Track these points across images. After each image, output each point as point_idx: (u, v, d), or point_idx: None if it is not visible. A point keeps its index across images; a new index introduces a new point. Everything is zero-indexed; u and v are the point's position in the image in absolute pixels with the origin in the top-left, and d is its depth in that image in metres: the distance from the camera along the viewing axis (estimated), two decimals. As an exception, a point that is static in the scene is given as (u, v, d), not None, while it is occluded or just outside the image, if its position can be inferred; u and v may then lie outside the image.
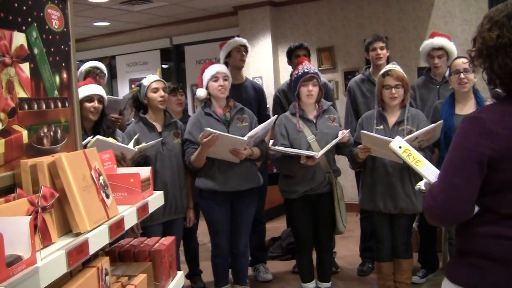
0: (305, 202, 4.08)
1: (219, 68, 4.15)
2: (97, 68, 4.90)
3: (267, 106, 5.49)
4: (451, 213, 1.79)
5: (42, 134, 1.95)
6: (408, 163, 2.05)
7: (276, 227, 6.55)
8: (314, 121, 4.07)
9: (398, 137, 2.22)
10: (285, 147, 3.98)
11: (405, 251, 4.05)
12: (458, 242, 1.91)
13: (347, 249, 5.71)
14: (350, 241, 5.78)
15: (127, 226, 1.91)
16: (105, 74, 5.06)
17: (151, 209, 2.20)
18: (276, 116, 4.17)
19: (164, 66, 9.69)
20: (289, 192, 4.10)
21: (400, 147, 2.11)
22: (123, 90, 10.00)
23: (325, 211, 4.10)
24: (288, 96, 4.92)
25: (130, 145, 3.68)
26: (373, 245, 4.44)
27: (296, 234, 4.29)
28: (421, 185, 2.07)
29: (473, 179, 1.74)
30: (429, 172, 1.96)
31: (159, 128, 4.07)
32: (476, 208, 1.81)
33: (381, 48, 4.89)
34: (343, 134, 3.91)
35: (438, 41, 4.70)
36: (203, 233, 4.33)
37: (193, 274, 4.93)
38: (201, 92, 4.18)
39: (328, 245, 4.31)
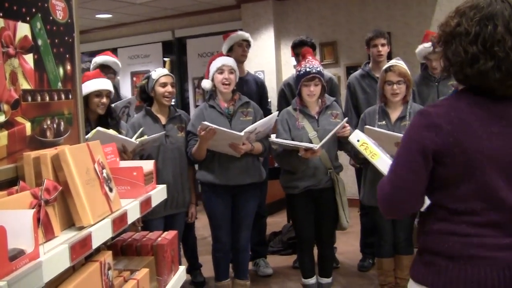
0: (307, 198, 4.05)
1: (225, 60, 4.12)
2: (109, 68, 4.88)
3: (269, 100, 5.46)
4: (397, 204, 1.81)
5: (45, 126, 1.94)
6: (365, 155, 2.08)
7: (276, 222, 6.55)
8: (316, 117, 4.03)
9: (357, 131, 2.24)
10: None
11: (406, 247, 4.04)
12: (417, 240, 1.92)
13: (347, 244, 5.70)
14: (350, 237, 5.77)
15: (130, 220, 1.90)
16: (115, 74, 5.03)
17: (154, 203, 2.19)
18: (277, 112, 4.14)
19: (166, 59, 9.65)
20: (291, 188, 4.07)
21: (358, 140, 2.14)
22: (125, 83, 9.97)
23: (327, 207, 4.07)
24: (293, 89, 4.88)
25: (134, 138, 3.67)
26: (374, 241, 4.43)
27: (297, 230, 4.26)
28: None
29: (418, 170, 1.74)
30: (384, 165, 1.98)
31: (163, 120, 4.06)
32: (427, 201, 1.81)
33: (382, 45, 4.85)
34: (342, 123, 3.83)
35: None
36: (203, 227, 4.30)
37: (193, 269, 4.91)
38: (206, 84, 4.17)
39: (330, 241, 4.29)
